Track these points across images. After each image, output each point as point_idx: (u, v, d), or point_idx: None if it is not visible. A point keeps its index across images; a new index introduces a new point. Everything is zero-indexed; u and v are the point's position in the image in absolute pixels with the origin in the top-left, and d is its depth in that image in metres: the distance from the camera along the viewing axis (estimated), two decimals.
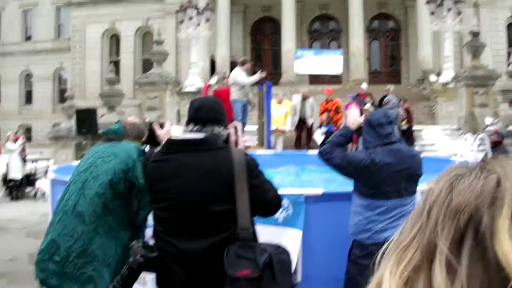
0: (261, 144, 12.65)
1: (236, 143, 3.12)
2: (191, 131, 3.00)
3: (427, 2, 23.68)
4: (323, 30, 34.98)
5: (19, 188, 16.71)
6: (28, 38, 43.12)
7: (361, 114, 4.66)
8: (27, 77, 42.76)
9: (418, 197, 4.33)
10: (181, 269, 2.81)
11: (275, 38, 33.84)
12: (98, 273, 3.34)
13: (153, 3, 35.70)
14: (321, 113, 17.22)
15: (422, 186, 4.51)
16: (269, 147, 12.44)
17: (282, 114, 16.58)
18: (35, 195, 16.94)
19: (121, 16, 36.79)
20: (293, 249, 4.76)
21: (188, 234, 2.81)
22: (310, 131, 17.71)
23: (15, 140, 17.28)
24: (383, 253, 0.80)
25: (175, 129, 4.69)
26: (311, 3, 33.35)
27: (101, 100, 20.93)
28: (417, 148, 16.22)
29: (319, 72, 28.03)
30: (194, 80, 24.20)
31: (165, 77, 21.53)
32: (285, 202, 4.89)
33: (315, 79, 31.89)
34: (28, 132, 39.73)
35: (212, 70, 30.24)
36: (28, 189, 17.17)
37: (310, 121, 17.65)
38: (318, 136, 16.23)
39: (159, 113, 20.07)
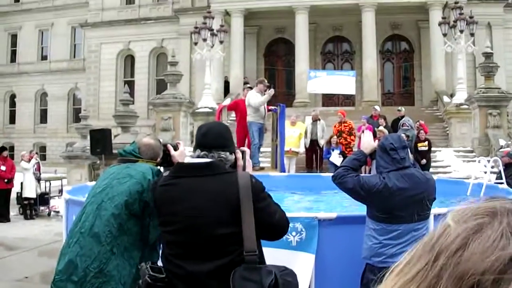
0: (274, 166, 12.64)
1: (244, 167, 3.16)
2: (198, 156, 3.05)
3: (440, 24, 23.69)
4: (337, 51, 35.00)
5: (33, 207, 16.78)
6: (44, 57, 43.51)
7: (375, 136, 4.68)
8: (42, 96, 43.11)
9: (431, 220, 4.32)
10: None
11: (288, 59, 33.94)
12: None
13: (168, 25, 36.02)
14: (335, 135, 17.25)
15: (436, 210, 4.51)
16: (282, 169, 12.41)
17: (296, 136, 16.62)
18: (49, 213, 17.02)
19: (135, 37, 37.10)
20: (305, 273, 4.77)
21: (195, 257, 2.85)
22: (322, 153, 17.73)
23: (30, 159, 17.38)
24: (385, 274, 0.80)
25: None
26: (325, 24, 33.43)
27: (115, 121, 21.05)
28: (431, 170, 16.15)
29: (332, 91, 28.02)
30: (208, 101, 24.30)
31: (179, 98, 21.67)
32: (298, 225, 4.90)
33: (328, 101, 32.01)
34: (42, 151, 40.03)
35: (226, 91, 30.39)
36: (42, 208, 17.24)
37: (321, 142, 17.70)
38: (336, 158, 16.23)
39: (173, 134, 20.16)
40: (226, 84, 31.06)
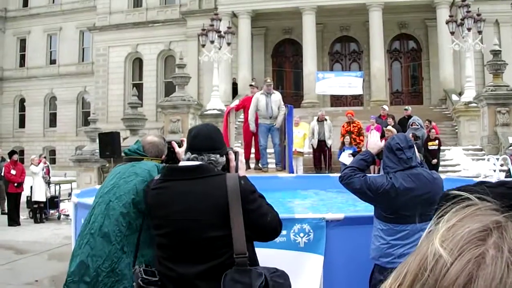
0: (283, 167, 12.63)
1: (237, 169, 3.15)
2: (188, 159, 3.06)
3: (447, 22, 23.63)
4: (344, 51, 34.98)
5: (43, 211, 16.84)
6: (52, 61, 43.72)
7: (383, 135, 4.67)
8: (51, 100, 43.33)
9: None
10: None
11: (296, 60, 33.97)
12: None
13: (175, 27, 36.11)
14: (343, 135, 17.25)
15: None
16: (291, 170, 12.39)
17: (300, 136, 16.68)
18: (59, 217, 17.08)
19: (143, 40, 37.22)
20: (315, 274, 4.76)
21: (186, 259, 2.87)
22: (330, 153, 17.72)
23: (39, 163, 17.45)
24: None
25: None
26: (332, 25, 33.42)
27: (123, 124, 21.12)
28: (440, 168, 16.10)
29: (340, 92, 28.05)
30: (216, 103, 24.34)
31: (187, 100, 21.73)
32: (306, 226, 4.89)
33: (336, 101, 32.00)
34: (52, 154, 40.21)
35: (234, 92, 30.42)
36: (52, 212, 17.31)
37: (329, 143, 17.70)
38: (346, 158, 16.23)
39: (181, 136, 20.19)
40: (234, 86, 31.09)
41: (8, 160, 17.47)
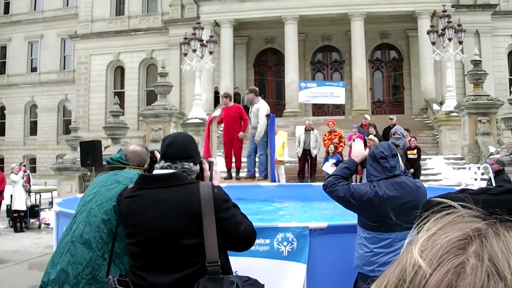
0: (265, 176, 12.62)
1: (211, 178, 3.14)
2: (162, 167, 3.04)
3: (429, 32, 23.83)
4: (326, 61, 35.14)
5: (23, 220, 16.68)
6: (33, 69, 43.41)
7: (365, 144, 4.68)
8: (32, 108, 43.00)
9: None
10: None
11: (278, 69, 34.04)
12: None
13: (157, 36, 36.09)
14: (326, 145, 17.30)
15: None
16: (273, 179, 12.40)
17: (279, 145, 16.68)
18: (39, 226, 16.93)
19: (125, 48, 37.12)
20: (297, 283, 4.76)
21: (158, 268, 2.85)
22: (314, 162, 17.76)
23: (19, 172, 17.30)
24: None
25: None
26: (314, 34, 33.58)
27: (105, 132, 21.03)
28: (421, 178, 16.20)
29: (322, 102, 28.22)
30: (198, 112, 24.30)
31: (169, 109, 21.68)
32: (289, 235, 4.90)
33: (318, 110, 32.13)
34: (32, 163, 39.86)
35: (216, 101, 30.38)
36: (32, 221, 17.15)
37: (314, 152, 17.75)
38: (329, 167, 16.26)
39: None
40: (216, 95, 30.99)
41: None
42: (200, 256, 2.78)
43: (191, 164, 3.04)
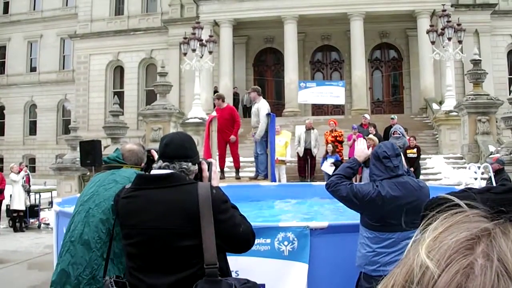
0: (265, 176, 12.63)
1: (210, 179, 3.11)
2: (160, 167, 3.01)
3: (428, 31, 23.81)
4: (325, 60, 35.14)
5: (22, 219, 16.68)
6: (32, 69, 43.39)
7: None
8: (32, 108, 42.98)
9: None
10: None
11: (277, 69, 34.07)
12: None
13: (157, 35, 36.09)
14: (327, 144, 17.29)
15: None
16: (273, 179, 12.40)
17: (282, 145, 16.67)
18: (39, 226, 16.92)
19: (125, 48, 37.11)
20: (299, 283, 4.75)
21: (156, 270, 2.82)
22: (313, 162, 17.76)
23: (19, 171, 17.30)
24: None
25: None
26: (313, 34, 33.58)
27: (104, 132, 21.02)
28: (421, 177, 16.19)
29: (322, 102, 28.21)
30: (198, 111, 24.28)
31: (169, 109, 21.67)
32: (290, 235, 4.89)
33: (318, 110, 32.12)
34: (31, 163, 39.85)
35: None
36: (32, 220, 17.14)
37: (314, 151, 17.75)
38: (327, 167, 16.26)
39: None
40: (215, 93, 31.06)
41: None
42: (198, 258, 2.75)
43: (189, 164, 3.01)
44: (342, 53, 33.98)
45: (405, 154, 15.83)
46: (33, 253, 12.00)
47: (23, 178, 17.19)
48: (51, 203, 18.22)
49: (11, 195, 16.75)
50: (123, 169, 3.81)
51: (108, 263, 3.40)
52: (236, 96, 31.49)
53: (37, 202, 17.97)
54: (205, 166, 3.14)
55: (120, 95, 32.64)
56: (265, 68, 35.45)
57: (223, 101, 13.21)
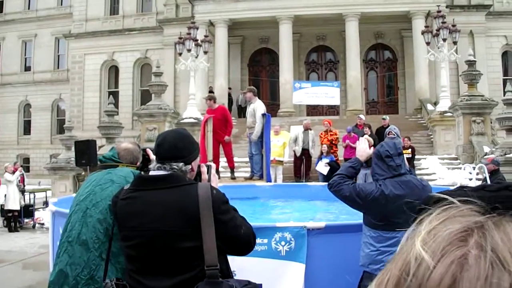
0: (260, 176, 12.63)
1: (209, 182, 3.06)
2: (154, 168, 2.99)
3: (423, 32, 23.87)
4: (320, 61, 35.18)
5: (17, 219, 16.64)
6: (27, 68, 43.26)
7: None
8: (26, 108, 42.86)
9: None
10: None
11: (272, 69, 34.07)
12: None
13: (152, 35, 36.05)
14: (325, 144, 17.31)
15: None
16: (268, 179, 12.40)
17: (280, 145, 16.66)
18: (33, 226, 16.89)
19: (120, 48, 37.05)
20: (296, 283, 4.76)
21: (156, 272, 2.78)
22: (309, 162, 17.78)
23: (14, 171, 17.26)
24: None
25: None
26: (308, 34, 33.61)
27: (99, 132, 20.98)
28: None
29: (317, 102, 28.26)
30: (193, 111, 24.28)
31: (164, 109, 21.65)
32: (287, 235, 4.89)
33: (312, 110, 32.14)
34: (26, 162, 39.73)
35: None
36: (27, 220, 17.10)
37: (312, 152, 17.79)
38: (322, 167, 16.27)
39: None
40: (211, 93, 31.05)
41: None
42: (199, 260, 2.72)
43: (180, 164, 2.94)
44: (337, 53, 34.05)
45: None
46: (27, 253, 11.96)
47: (17, 178, 17.15)
48: (45, 203, 18.18)
49: (5, 195, 16.71)
50: (119, 168, 3.80)
51: (108, 264, 3.39)
52: (230, 96, 31.50)
53: (31, 202, 17.93)
54: (204, 169, 3.11)
55: (115, 95, 32.55)
56: (260, 68, 35.47)
57: (214, 101, 13.22)
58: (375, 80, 34.41)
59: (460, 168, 17.56)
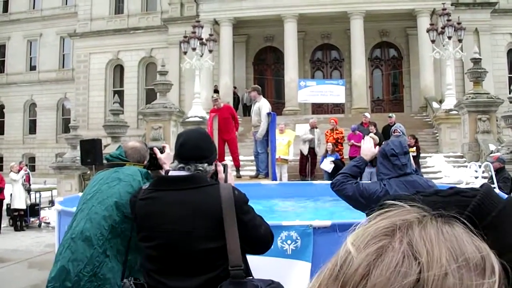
0: (266, 175, 12.64)
1: (226, 181, 3.07)
2: (175, 168, 2.98)
3: (428, 30, 23.81)
4: (325, 59, 35.15)
5: (23, 218, 16.67)
6: (32, 68, 43.30)
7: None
8: (31, 107, 42.94)
9: None
10: None
11: (277, 67, 34.07)
12: None
13: (157, 34, 36.06)
14: (329, 143, 17.31)
15: None
16: (274, 178, 12.40)
17: (285, 144, 16.67)
18: (39, 225, 16.92)
19: (124, 47, 37.08)
20: (302, 281, 4.74)
21: (178, 273, 2.78)
22: (315, 160, 17.78)
23: (19, 170, 17.29)
24: None
25: None
26: (313, 32, 33.58)
27: (105, 131, 21.00)
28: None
29: (322, 101, 28.25)
30: (198, 110, 24.29)
31: (169, 108, 21.64)
32: (293, 234, 4.87)
33: (318, 109, 32.12)
34: (31, 162, 39.81)
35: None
36: (33, 219, 17.14)
37: (317, 150, 17.79)
38: (327, 165, 16.26)
39: (163, 144, 20.14)
40: (216, 93, 31.05)
41: None
42: (221, 259, 2.72)
43: (205, 165, 2.96)
44: (342, 51, 33.99)
45: None
46: (33, 252, 11.99)
47: (22, 177, 17.18)
48: (51, 202, 18.21)
49: (11, 194, 16.74)
50: (126, 166, 3.78)
51: (126, 266, 3.38)
52: (235, 95, 31.49)
53: (37, 201, 17.96)
54: (220, 168, 3.11)
55: (120, 94, 32.56)
56: (265, 66, 35.45)
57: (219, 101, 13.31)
58: (380, 78, 34.34)
59: (466, 166, 17.52)
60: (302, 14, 30.22)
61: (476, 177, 14.96)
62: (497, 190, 8.71)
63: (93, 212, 3.47)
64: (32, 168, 36.75)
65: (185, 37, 24.82)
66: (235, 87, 31.72)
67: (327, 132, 18.10)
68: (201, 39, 24.70)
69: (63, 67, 42.37)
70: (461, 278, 0.64)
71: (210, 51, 25.28)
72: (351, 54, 30.59)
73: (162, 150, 3.82)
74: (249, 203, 2.94)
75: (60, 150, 36.60)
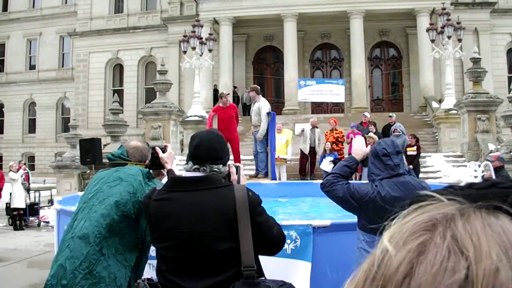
0: (265, 174, 12.64)
1: (238, 182, 3.08)
2: (190, 169, 2.98)
3: (428, 30, 23.82)
4: (325, 58, 35.12)
5: (22, 218, 16.65)
6: (32, 67, 43.30)
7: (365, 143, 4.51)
8: (31, 106, 42.93)
9: None
10: None
11: (277, 67, 34.07)
12: None
13: (156, 33, 36.06)
14: (328, 142, 17.31)
15: None
16: (273, 177, 12.40)
17: (283, 143, 16.68)
18: (39, 224, 16.90)
19: (124, 46, 37.07)
20: (302, 281, 4.74)
21: (193, 273, 2.80)
22: (314, 160, 17.78)
23: (18, 170, 17.28)
24: None
25: None
26: (313, 32, 33.57)
27: (104, 130, 21.00)
28: (421, 175, 16.18)
29: (322, 100, 28.23)
30: (197, 109, 24.29)
31: (169, 107, 21.64)
32: (292, 233, 4.87)
33: (317, 108, 32.13)
34: (31, 161, 39.81)
35: (215, 99, 30.37)
36: (32, 219, 17.12)
37: (317, 149, 17.80)
38: (326, 165, 16.25)
39: (163, 142, 20.17)
40: (215, 92, 30.94)
41: None
42: (235, 260, 2.73)
43: (220, 166, 2.97)
44: (342, 51, 33.99)
45: (405, 152, 15.83)
46: (33, 251, 11.97)
47: (22, 176, 17.16)
48: (51, 201, 18.20)
49: (11, 194, 16.72)
50: (127, 166, 3.78)
51: (144, 255, 3.39)
52: (235, 94, 31.48)
53: (36, 200, 17.95)
54: (233, 169, 3.12)
55: (119, 93, 32.56)
56: (265, 66, 35.44)
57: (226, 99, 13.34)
58: (380, 77, 34.34)
59: (465, 166, 17.53)
60: (302, 14, 30.22)
61: (476, 177, 14.97)
62: None
63: (93, 211, 3.47)
64: (32, 167, 36.76)
65: (184, 36, 24.82)
66: (235, 87, 31.70)
67: (326, 132, 18.10)
68: (201, 38, 24.70)
69: (62, 66, 42.37)
70: None
71: (210, 50, 25.27)
72: (350, 53, 30.58)
73: (164, 150, 3.82)
74: (261, 204, 2.94)
75: (59, 149, 36.60)
